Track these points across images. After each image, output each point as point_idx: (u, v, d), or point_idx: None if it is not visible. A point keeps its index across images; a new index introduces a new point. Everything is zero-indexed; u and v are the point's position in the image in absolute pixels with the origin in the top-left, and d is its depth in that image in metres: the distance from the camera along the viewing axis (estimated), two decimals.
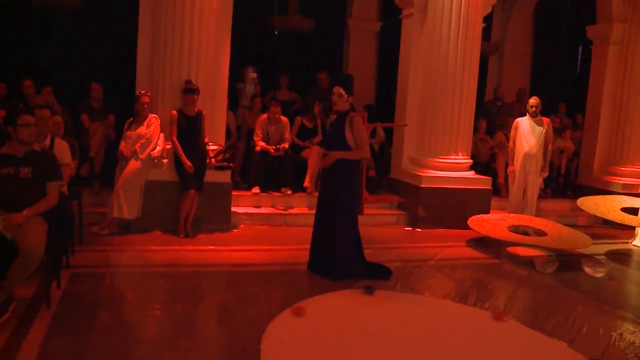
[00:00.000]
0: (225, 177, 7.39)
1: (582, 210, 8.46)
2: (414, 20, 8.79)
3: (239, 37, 8.22)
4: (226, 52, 7.57)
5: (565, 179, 10.68)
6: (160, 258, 6.09)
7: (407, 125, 8.77)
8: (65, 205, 5.08)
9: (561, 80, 14.15)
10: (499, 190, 9.55)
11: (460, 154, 8.56)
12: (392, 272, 5.86)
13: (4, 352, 3.62)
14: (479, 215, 7.85)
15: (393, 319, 4.77)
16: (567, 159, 10.56)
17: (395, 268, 6.00)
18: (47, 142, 5.35)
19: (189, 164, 6.90)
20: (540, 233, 7.57)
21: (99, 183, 7.62)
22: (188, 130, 7.03)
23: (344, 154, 5.58)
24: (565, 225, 7.90)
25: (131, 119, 7.07)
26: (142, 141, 6.84)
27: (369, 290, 5.17)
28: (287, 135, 8.57)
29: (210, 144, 7.29)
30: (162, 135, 7.00)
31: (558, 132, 10.25)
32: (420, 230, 8.26)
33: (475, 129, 9.41)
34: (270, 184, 8.43)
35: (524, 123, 8.26)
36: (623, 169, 10.16)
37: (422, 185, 8.34)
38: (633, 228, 8.34)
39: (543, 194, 9.55)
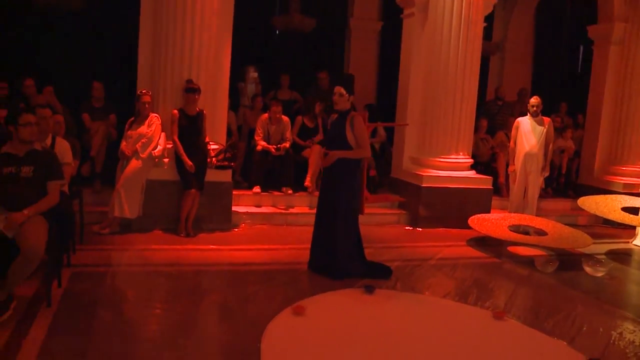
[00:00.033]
0: (226, 176, 7.40)
1: (583, 209, 8.46)
2: (415, 19, 8.79)
3: (240, 36, 8.22)
4: (227, 51, 7.58)
5: (566, 179, 10.68)
6: (161, 257, 6.10)
7: (408, 124, 8.78)
8: (66, 204, 5.09)
9: (562, 80, 14.15)
10: (499, 189, 9.56)
11: (461, 153, 8.57)
12: (392, 271, 5.86)
13: (5, 351, 3.62)
14: (479, 215, 7.85)
15: (393, 318, 4.77)
16: (568, 159, 10.56)
17: (395, 267, 6.00)
18: (49, 141, 5.36)
19: (190, 163, 6.92)
20: (541, 232, 7.58)
21: (100, 182, 7.63)
22: (189, 129, 7.04)
23: (344, 154, 5.59)
24: (566, 224, 7.91)
25: (132, 119, 7.08)
26: (143, 140, 6.85)
27: (370, 290, 5.18)
28: (288, 134, 8.58)
29: (211, 143, 7.30)
30: (163, 134, 7.01)
31: (559, 131, 10.26)
32: (421, 229, 8.27)
33: (476, 129, 9.42)
34: (271, 183, 8.44)
35: (525, 123, 8.26)
36: (624, 168, 10.16)
37: (423, 185, 8.35)
38: (634, 227, 8.35)
39: (544, 194, 9.56)
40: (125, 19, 8.38)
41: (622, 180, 10.00)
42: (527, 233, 7.79)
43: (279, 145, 8.38)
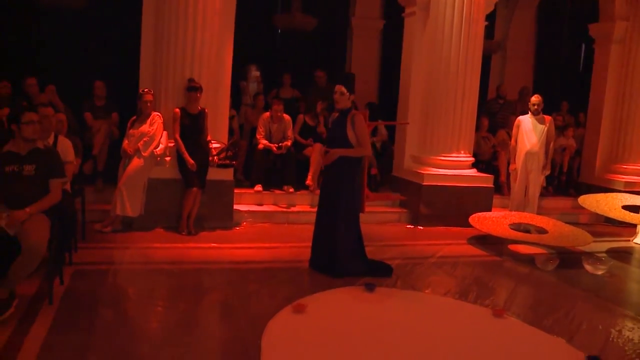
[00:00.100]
0: (227, 174, 7.42)
1: (584, 208, 8.47)
2: (416, 18, 8.80)
3: (242, 35, 8.25)
4: (229, 50, 7.61)
5: (568, 177, 10.67)
6: (162, 255, 6.12)
7: (408, 123, 8.80)
8: (68, 202, 5.11)
9: (564, 79, 14.14)
10: (500, 188, 9.58)
11: (462, 152, 8.59)
12: (393, 269, 5.88)
13: (7, 348, 3.64)
14: (480, 213, 7.86)
15: (394, 316, 4.79)
16: (569, 157, 10.55)
17: (396, 265, 6.02)
18: (51, 140, 5.37)
19: (192, 161, 6.94)
20: (542, 231, 7.59)
21: (102, 180, 7.65)
22: (191, 128, 7.06)
23: (345, 152, 5.60)
24: (567, 223, 7.91)
25: (134, 117, 7.11)
26: (145, 139, 6.88)
27: (370, 288, 5.19)
28: (289, 133, 8.61)
29: (212, 141, 7.33)
30: (165, 133, 7.04)
31: (560, 130, 10.27)
32: (421, 227, 8.29)
33: (478, 127, 9.44)
34: (272, 181, 8.46)
35: (526, 121, 8.27)
36: (625, 167, 10.17)
37: (424, 183, 8.37)
38: (634, 226, 8.35)
39: (545, 192, 9.58)
40: (128, 18, 8.40)
41: (623, 178, 10.02)
42: (528, 231, 7.79)
43: (280, 144, 8.40)
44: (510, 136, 8.97)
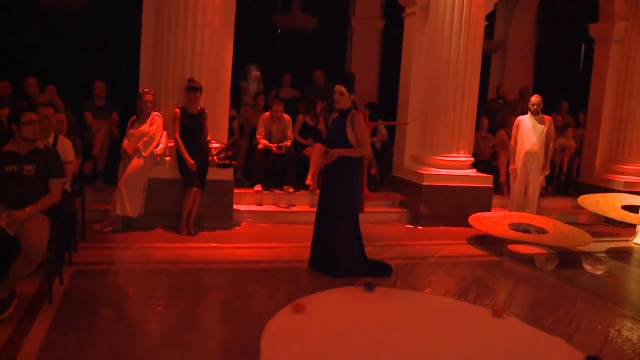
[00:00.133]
0: (227, 174, 7.43)
1: (583, 208, 8.47)
2: (416, 18, 8.81)
3: (242, 35, 8.25)
4: (229, 50, 7.61)
5: (567, 177, 10.68)
6: (162, 255, 6.13)
7: (408, 123, 8.80)
8: (68, 202, 5.12)
9: (564, 78, 14.15)
10: (500, 188, 9.58)
11: (462, 152, 8.59)
12: (392, 269, 5.89)
13: (7, 348, 3.65)
14: (480, 213, 7.87)
15: (393, 316, 4.80)
16: (569, 157, 10.56)
17: (395, 265, 6.03)
18: (51, 140, 5.38)
19: (192, 161, 6.95)
20: (541, 231, 7.59)
21: (102, 180, 7.66)
22: (191, 128, 7.07)
23: (345, 152, 5.61)
24: (566, 223, 7.92)
25: (134, 117, 7.11)
26: (144, 139, 6.89)
27: (370, 287, 5.20)
28: (289, 133, 8.61)
29: (212, 141, 7.33)
30: (164, 133, 7.05)
31: (560, 130, 10.28)
32: (421, 227, 8.30)
33: (477, 127, 9.45)
34: (272, 181, 8.46)
35: (526, 121, 8.28)
36: (625, 167, 10.18)
37: (424, 183, 8.37)
38: (634, 226, 8.36)
39: (544, 192, 9.58)
40: (128, 18, 8.41)
41: (622, 178, 10.02)
42: (527, 231, 7.80)
43: (280, 144, 8.41)
44: (510, 136, 8.97)
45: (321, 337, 4.21)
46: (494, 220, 7.65)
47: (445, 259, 6.74)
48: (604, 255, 7.48)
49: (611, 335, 4.60)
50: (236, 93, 9.87)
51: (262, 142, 8.41)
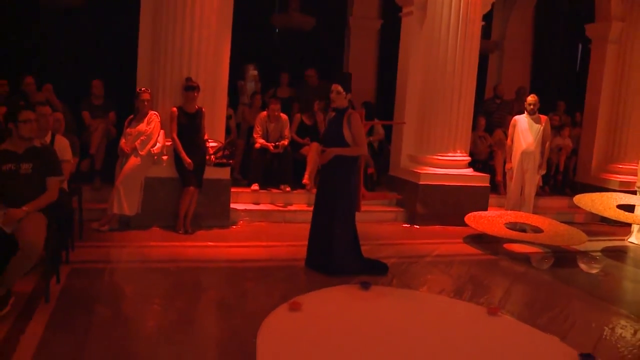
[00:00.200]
0: (224, 174, 7.44)
1: (579, 207, 8.50)
2: (413, 18, 8.83)
3: (240, 34, 8.26)
4: (227, 49, 7.62)
5: (564, 177, 10.72)
6: (159, 254, 6.14)
7: (405, 123, 8.83)
8: (65, 201, 5.14)
9: (561, 78, 14.18)
10: (497, 187, 9.61)
11: (458, 151, 8.62)
12: (388, 268, 5.90)
13: (3, 346, 3.66)
14: (476, 212, 7.90)
15: (389, 314, 4.82)
16: (566, 157, 10.60)
17: (392, 264, 6.04)
18: (48, 138, 5.40)
19: (189, 160, 6.96)
20: (537, 230, 7.62)
21: (100, 179, 7.67)
22: (188, 127, 7.08)
23: (341, 151, 5.63)
24: (563, 222, 7.95)
25: (131, 116, 7.13)
26: (142, 138, 6.90)
27: (365, 286, 5.22)
28: (286, 132, 8.63)
29: (210, 141, 7.35)
30: (162, 132, 7.06)
31: (557, 129, 10.32)
32: (418, 227, 8.32)
33: (474, 127, 9.49)
34: (269, 180, 8.48)
35: (522, 121, 8.31)
36: (620, 166, 10.21)
37: (421, 183, 8.39)
38: (629, 225, 8.39)
39: (541, 192, 9.61)
40: (125, 17, 8.42)
41: (618, 178, 10.06)
42: (523, 230, 7.83)
43: (277, 143, 8.43)
44: (507, 136, 8.99)
45: (317, 335, 4.23)
46: (490, 220, 7.68)
47: (441, 257, 6.76)
48: (599, 254, 7.52)
49: (605, 334, 4.63)
50: (234, 92, 9.88)
51: (260, 142, 8.43)
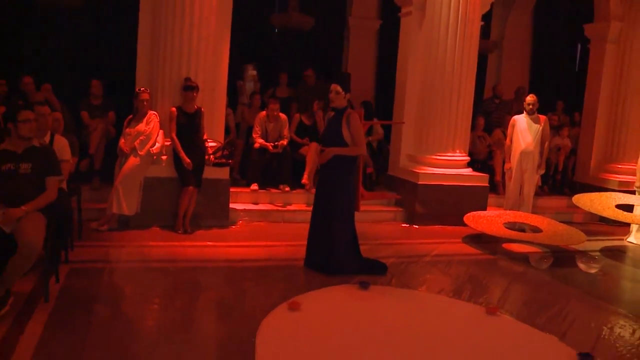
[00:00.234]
0: (223, 173, 7.44)
1: (578, 207, 8.51)
2: (412, 18, 8.83)
3: (239, 34, 8.27)
4: (226, 49, 7.62)
5: (563, 176, 10.73)
6: (158, 254, 6.14)
7: (404, 122, 8.83)
8: (65, 200, 5.14)
9: (560, 78, 14.19)
10: (496, 187, 9.61)
11: (457, 151, 8.63)
12: (387, 267, 5.90)
13: (2, 346, 3.66)
14: (475, 212, 7.90)
15: (388, 314, 4.82)
16: (565, 157, 10.61)
17: (390, 264, 6.04)
18: (47, 138, 5.39)
19: (188, 160, 6.96)
20: (536, 230, 7.63)
21: (99, 179, 7.67)
22: (187, 127, 7.08)
23: (340, 150, 5.63)
24: (562, 222, 7.96)
25: (131, 116, 7.13)
26: (141, 138, 6.90)
27: (364, 286, 5.22)
28: (285, 132, 8.64)
29: (209, 140, 7.35)
30: (161, 132, 7.07)
31: (556, 129, 10.33)
32: (417, 226, 8.32)
33: (473, 127, 9.49)
34: (268, 180, 8.49)
35: (521, 120, 8.32)
36: (619, 166, 10.22)
37: (420, 182, 8.40)
38: (628, 225, 8.39)
39: (540, 191, 9.62)
40: (125, 16, 8.42)
41: (617, 178, 10.07)
42: (522, 230, 7.84)
43: (276, 143, 8.43)
44: (506, 136, 9.00)
45: (316, 335, 4.23)
46: (489, 219, 7.68)
47: (440, 257, 6.77)
48: (598, 253, 7.54)
49: (604, 333, 4.64)
50: (233, 92, 9.89)
51: (259, 141, 8.43)
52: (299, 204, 8.30)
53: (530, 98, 8.33)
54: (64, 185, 5.30)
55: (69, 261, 5.39)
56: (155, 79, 7.24)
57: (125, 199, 6.74)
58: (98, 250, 6.07)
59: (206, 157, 7.22)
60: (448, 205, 8.37)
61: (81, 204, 6.41)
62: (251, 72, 11.41)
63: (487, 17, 10.09)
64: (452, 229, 8.07)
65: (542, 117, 8.32)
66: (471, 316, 4.86)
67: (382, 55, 12.54)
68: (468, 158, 8.85)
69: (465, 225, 7.54)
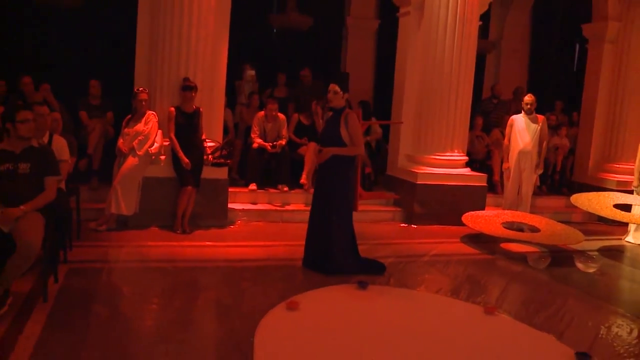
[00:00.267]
0: (222, 173, 7.45)
1: (577, 207, 8.52)
2: (411, 18, 8.85)
3: (238, 34, 8.28)
4: (224, 49, 7.63)
5: (561, 176, 10.74)
6: (157, 253, 6.15)
7: (402, 122, 8.84)
8: (63, 200, 5.14)
9: (558, 78, 14.20)
10: (494, 187, 9.62)
11: (456, 151, 8.64)
12: (386, 267, 5.91)
13: (1, 346, 3.66)
14: (473, 212, 7.91)
15: (386, 314, 4.82)
16: (563, 156, 10.61)
17: (389, 264, 6.05)
18: (46, 138, 5.39)
19: (187, 160, 6.96)
20: (534, 229, 7.64)
21: (97, 179, 7.67)
22: (186, 127, 7.09)
23: (338, 150, 5.64)
24: (560, 221, 7.97)
25: (129, 116, 7.13)
26: (140, 138, 6.91)
27: (363, 285, 5.21)
28: (284, 132, 8.64)
29: (207, 140, 7.35)
30: (159, 132, 7.07)
31: (554, 129, 10.34)
32: (415, 226, 8.33)
33: (472, 126, 9.51)
34: (267, 180, 8.49)
35: (519, 120, 8.33)
36: (617, 166, 10.24)
37: (418, 182, 8.41)
38: (626, 224, 8.41)
39: (538, 191, 9.63)
40: (123, 16, 8.42)
41: (615, 177, 10.09)
42: (521, 230, 7.85)
43: (275, 143, 8.44)
44: (504, 135, 9.01)
45: (314, 334, 4.23)
46: (487, 219, 7.70)
47: (439, 257, 6.78)
48: (596, 253, 7.55)
49: (601, 332, 4.66)
50: (231, 92, 9.90)
51: (257, 141, 8.44)
52: (297, 203, 8.31)
53: (528, 98, 8.35)
54: (63, 185, 5.30)
55: (68, 261, 5.39)
56: (154, 79, 7.25)
57: (123, 199, 6.75)
58: (97, 250, 6.08)
59: (205, 157, 7.22)
60: (446, 205, 8.38)
61: (80, 204, 6.41)
62: (249, 72, 11.39)
63: (485, 17, 10.10)
64: (450, 228, 8.08)
65: (540, 117, 8.34)
66: (469, 316, 4.86)
67: (380, 55, 12.55)
68: (466, 158, 8.86)
69: (463, 225, 7.56)
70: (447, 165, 8.55)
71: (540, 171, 8.55)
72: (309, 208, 6.03)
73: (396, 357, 3.95)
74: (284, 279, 5.60)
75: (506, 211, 8.22)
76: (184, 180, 7.01)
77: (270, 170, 8.55)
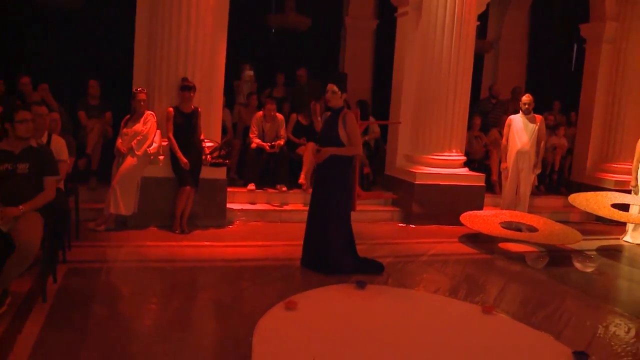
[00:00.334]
0: (220, 173, 7.46)
1: (575, 206, 8.53)
2: (409, 18, 8.86)
3: (236, 34, 8.28)
4: (222, 49, 7.64)
5: (559, 176, 10.75)
6: (156, 253, 6.16)
7: (400, 122, 8.85)
8: (62, 200, 5.14)
9: (556, 78, 14.22)
10: (492, 187, 9.63)
11: (454, 151, 8.65)
12: (384, 267, 5.92)
13: (0, 346, 3.67)
14: (471, 212, 7.93)
15: (384, 313, 4.84)
16: (561, 156, 10.63)
17: (387, 263, 6.06)
18: (44, 138, 5.39)
19: (185, 160, 6.97)
20: (532, 229, 7.65)
21: (96, 179, 7.68)
22: (184, 127, 7.09)
23: (336, 150, 5.65)
24: (558, 221, 7.98)
25: (128, 116, 7.14)
26: (138, 138, 6.91)
27: (361, 285, 5.23)
28: (282, 132, 8.65)
29: (206, 140, 7.36)
30: (158, 132, 7.08)
31: (552, 129, 10.36)
32: (413, 226, 8.34)
33: (470, 126, 9.52)
34: (265, 180, 8.49)
35: (517, 120, 8.35)
36: (615, 165, 10.25)
37: (416, 182, 8.42)
38: (624, 224, 8.42)
39: (536, 191, 9.65)
40: (122, 17, 8.43)
41: (613, 177, 10.10)
42: (519, 230, 7.86)
43: (273, 143, 8.44)
44: (502, 135, 9.02)
45: (313, 334, 4.24)
46: (485, 219, 7.71)
47: (437, 257, 6.79)
48: (594, 253, 7.56)
49: (599, 332, 4.67)
50: (230, 92, 9.90)
51: (256, 141, 8.44)
52: (296, 203, 8.31)
53: (526, 98, 8.36)
54: (62, 185, 5.31)
55: (67, 261, 5.39)
56: (153, 79, 7.26)
57: (122, 199, 6.75)
58: (95, 250, 6.08)
59: (203, 157, 7.23)
60: (445, 204, 8.39)
61: (78, 204, 6.41)
62: (248, 72, 11.40)
63: (483, 17, 10.12)
64: (448, 228, 8.09)
65: (538, 117, 8.36)
66: (467, 315, 4.87)
67: (378, 55, 12.56)
68: (464, 158, 8.87)
69: (461, 224, 7.57)
70: (446, 165, 8.56)
71: (539, 171, 8.57)
72: (307, 208, 6.04)
73: (394, 356, 3.96)
74: (282, 278, 5.61)
75: (504, 211, 8.23)
76: (182, 180, 7.02)
77: (269, 170, 8.55)
